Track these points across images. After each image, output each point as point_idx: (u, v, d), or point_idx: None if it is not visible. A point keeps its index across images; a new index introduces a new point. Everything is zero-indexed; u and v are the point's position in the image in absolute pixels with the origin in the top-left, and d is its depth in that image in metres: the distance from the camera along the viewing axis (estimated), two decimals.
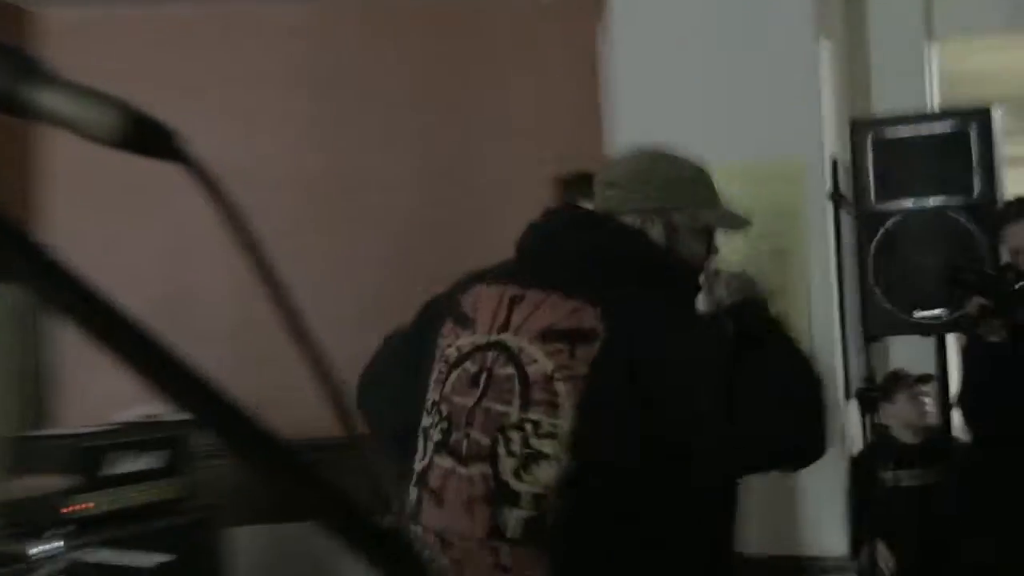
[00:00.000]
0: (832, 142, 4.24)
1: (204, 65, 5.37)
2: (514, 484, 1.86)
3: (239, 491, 4.88)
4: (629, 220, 2.08)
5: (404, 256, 5.27)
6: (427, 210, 5.35)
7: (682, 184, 2.12)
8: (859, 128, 3.95)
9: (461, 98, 5.41)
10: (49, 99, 0.70)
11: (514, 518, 1.86)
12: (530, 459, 1.86)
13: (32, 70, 0.71)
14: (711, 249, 2.17)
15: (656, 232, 2.08)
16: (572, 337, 1.89)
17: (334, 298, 5.20)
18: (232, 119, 5.40)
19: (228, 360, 5.42)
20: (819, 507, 3.92)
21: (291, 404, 4.92)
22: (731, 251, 3.73)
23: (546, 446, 1.86)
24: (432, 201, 5.36)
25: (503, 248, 2.18)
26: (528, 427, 1.88)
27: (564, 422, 1.86)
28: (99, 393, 4.96)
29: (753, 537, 3.91)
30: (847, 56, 4.61)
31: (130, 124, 0.71)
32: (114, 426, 4.18)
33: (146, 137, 0.71)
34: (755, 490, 3.85)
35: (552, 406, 1.87)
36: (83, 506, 3.75)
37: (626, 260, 2.00)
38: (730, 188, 3.92)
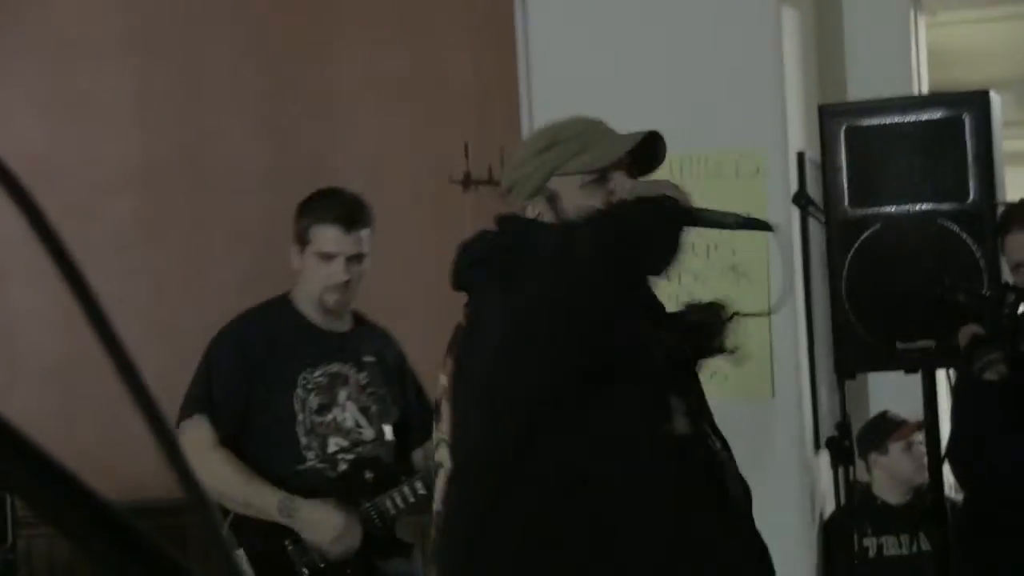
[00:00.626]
0: (798, 134, 4.30)
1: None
2: (435, 505, 2.50)
3: (70, 568, 4.86)
4: (527, 212, 2.58)
5: (264, 269, 5.24)
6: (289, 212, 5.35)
7: (545, 151, 2.58)
8: (830, 116, 4.01)
9: (328, 71, 5.41)
10: None
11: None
12: (437, 474, 2.50)
13: None
14: (608, 185, 2.57)
15: (545, 211, 2.56)
16: (450, 347, 2.50)
17: (179, 321, 5.16)
18: (38, 101, 5.34)
19: (50, 405, 5.36)
20: None
21: (127, 458, 4.89)
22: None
23: (441, 454, 2.48)
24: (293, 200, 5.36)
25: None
26: (437, 444, 2.52)
27: (445, 425, 2.48)
28: None
29: None
30: (816, 29, 4.70)
31: None
32: None
33: None
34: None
35: (441, 417, 2.50)
36: None
37: (485, 258, 2.52)
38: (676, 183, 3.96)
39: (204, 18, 5.39)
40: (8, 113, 5.05)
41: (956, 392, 3.93)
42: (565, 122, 2.66)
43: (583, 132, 2.62)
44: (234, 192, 5.32)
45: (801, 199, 4.09)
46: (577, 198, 2.54)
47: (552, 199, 2.55)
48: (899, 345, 3.80)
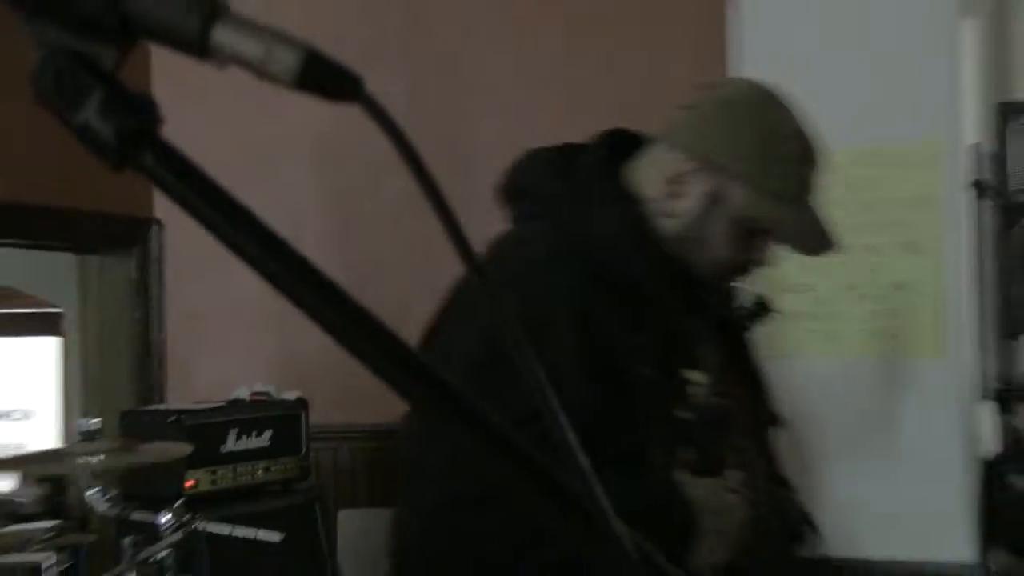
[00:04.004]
0: (973, 128, 4.45)
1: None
2: None
3: (351, 473, 5.36)
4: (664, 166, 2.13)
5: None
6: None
7: (771, 145, 2.09)
8: (1007, 112, 4.30)
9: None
10: (231, 39, 0.77)
11: None
12: None
13: (215, 9, 0.77)
14: (748, 252, 2.13)
15: (683, 189, 2.10)
16: None
17: (445, 282, 5.47)
18: None
19: None
20: (946, 511, 4.14)
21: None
22: (853, 241, 3.81)
23: None
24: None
25: None
26: None
27: None
28: (204, 372, 5.51)
29: (874, 541, 4.19)
30: (994, 37, 4.81)
31: (312, 65, 0.78)
32: (230, 404, 4.85)
33: (326, 79, 0.81)
34: (877, 492, 4.09)
35: None
36: (206, 480, 4.54)
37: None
38: (858, 172, 4.12)
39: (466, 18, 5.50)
40: (297, 100, 5.44)
41: None
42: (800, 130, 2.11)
43: (803, 167, 2.09)
44: (488, 174, 5.63)
45: (978, 183, 4.30)
46: (720, 221, 2.09)
47: (714, 198, 2.08)
48: None
